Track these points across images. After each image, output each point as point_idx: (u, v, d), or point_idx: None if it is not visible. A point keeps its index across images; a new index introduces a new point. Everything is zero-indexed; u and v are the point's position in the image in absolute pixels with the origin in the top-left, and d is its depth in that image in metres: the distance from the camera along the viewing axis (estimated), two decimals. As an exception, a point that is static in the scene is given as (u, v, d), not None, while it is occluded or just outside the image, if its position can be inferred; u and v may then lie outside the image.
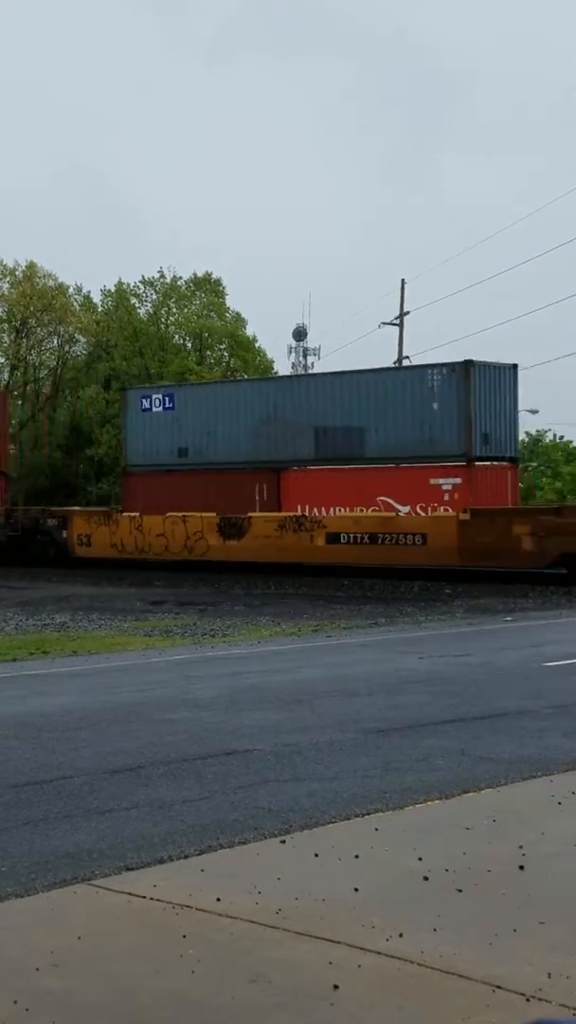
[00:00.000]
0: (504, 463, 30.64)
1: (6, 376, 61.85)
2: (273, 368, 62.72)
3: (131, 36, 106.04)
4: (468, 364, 29.23)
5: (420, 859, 6.25)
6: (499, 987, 4.59)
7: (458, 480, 29.46)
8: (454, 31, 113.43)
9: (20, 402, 59.23)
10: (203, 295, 63.58)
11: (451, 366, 29.74)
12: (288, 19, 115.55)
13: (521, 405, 32.10)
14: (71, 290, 63.14)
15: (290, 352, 68.47)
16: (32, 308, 60.26)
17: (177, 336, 63.77)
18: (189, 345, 63.14)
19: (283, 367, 66.28)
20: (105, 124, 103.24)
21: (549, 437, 54.73)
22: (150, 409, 35.04)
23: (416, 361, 45.87)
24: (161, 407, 34.76)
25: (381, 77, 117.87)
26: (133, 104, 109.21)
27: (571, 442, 55.56)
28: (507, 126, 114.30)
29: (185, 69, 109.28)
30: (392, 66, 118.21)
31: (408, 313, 54.32)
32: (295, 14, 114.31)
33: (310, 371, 62.34)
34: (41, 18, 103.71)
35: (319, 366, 66.36)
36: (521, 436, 38.42)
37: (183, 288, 63.20)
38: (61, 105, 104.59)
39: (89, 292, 64.63)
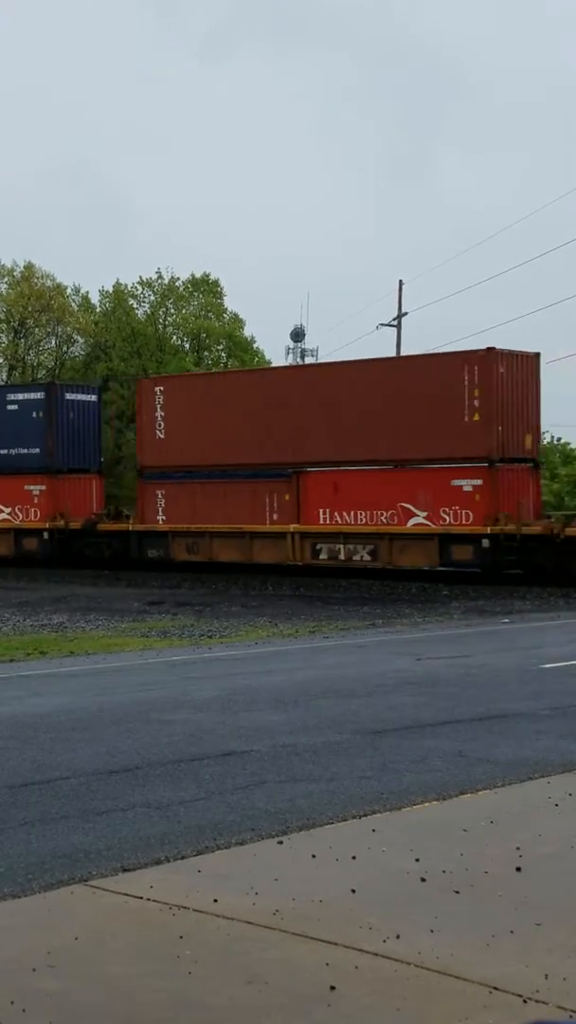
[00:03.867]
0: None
1: (4, 376, 61.88)
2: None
3: (128, 34, 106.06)
4: None
5: (417, 860, 6.25)
6: (496, 988, 4.59)
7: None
8: (454, 28, 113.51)
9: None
10: (201, 296, 63.61)
11: None
12: (285, 16, 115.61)
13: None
14: (69, 290, 63.22)
15: (288, 353, 68.46)
16: (30, 308, 60.28)
17: (175, 337, 63.80)
18: (187, 346, 63.16)
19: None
20: (102, 123, 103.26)
21: (546, 439, 54.76)
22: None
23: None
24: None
25: (379, 75, 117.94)
26: (130, 102, 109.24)
27: (568, 444, 55.57)
28: (507, 125, 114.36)
29: (182, 67, 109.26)
30: (391, 64, 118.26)
31: (406, 314, 54.32)
32: (292, 11, 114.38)
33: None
34: (38, 17, 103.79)
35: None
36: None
37: (181, 289, 63.24)
38: (58, 104, 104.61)
39: (87, 292, 64.73)
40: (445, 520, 28.13)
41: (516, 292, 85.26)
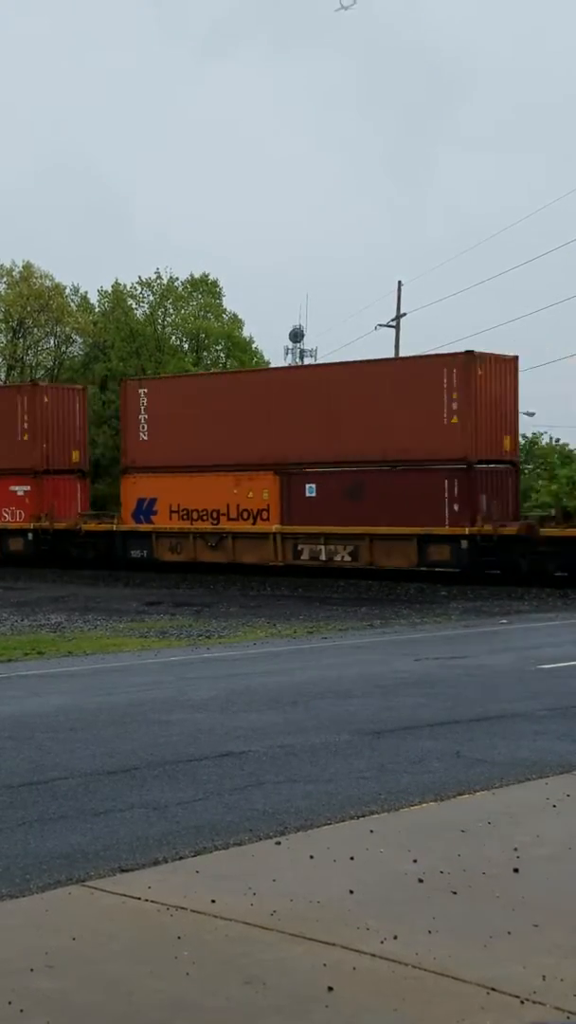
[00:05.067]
0: None
1: (3, 376, 61.86)
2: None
3: (127, 34, 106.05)
4: None
5: (415, 861, 6.26)
6: (493, 989, 4.59)
7: None
8: (455, 28, 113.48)
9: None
10: (200, 296, 63.54)
11: None
12: (286, 14, 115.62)
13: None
14: (68, 290, 63.12)
15: (287, 353, 68.38)
16: (29, 308, 60.22)
17: (174, 337, 63.74)
18: (186, 346, 63.11)
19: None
20: (102, 123, 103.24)
21: (545, 440, 54.69)
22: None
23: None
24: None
25: (381, 75, 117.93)
26: (129, 102, 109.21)
27: (567, 445, 55.50)
28: (508, 126, 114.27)
29: (181, 66, 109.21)
30: (392, 64, 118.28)
31: (405, 315, 54.33)
32: (292, 11, 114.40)
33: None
34: (37, 16, 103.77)
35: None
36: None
37: (180, 289, 63.18)
38: (58, 104, 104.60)
39: (86, 292, 64.62)
40: (6, 518, 36.19)
41: (516, 292, 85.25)
